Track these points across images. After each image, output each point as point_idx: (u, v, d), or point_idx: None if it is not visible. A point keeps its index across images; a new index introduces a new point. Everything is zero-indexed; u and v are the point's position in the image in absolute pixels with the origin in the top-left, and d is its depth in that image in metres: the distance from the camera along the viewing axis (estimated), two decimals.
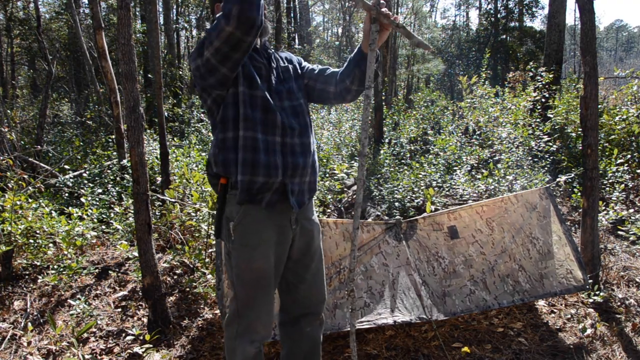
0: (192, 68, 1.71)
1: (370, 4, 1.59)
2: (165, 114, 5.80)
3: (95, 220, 4.41)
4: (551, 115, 6.26)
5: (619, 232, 3.87)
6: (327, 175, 5.48)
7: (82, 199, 4.66)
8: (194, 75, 1.73)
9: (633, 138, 5.44)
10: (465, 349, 2.61)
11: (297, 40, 17.46)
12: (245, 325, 1.79)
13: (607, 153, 5.28)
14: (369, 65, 1.63)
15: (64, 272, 3.51)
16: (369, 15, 1.61)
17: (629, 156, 5.11)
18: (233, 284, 1.79)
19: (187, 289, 3.43)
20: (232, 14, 1.47)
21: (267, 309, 1.79)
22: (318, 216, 2.15)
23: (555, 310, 3.08)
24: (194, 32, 15.96)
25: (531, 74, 6.80)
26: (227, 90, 1.71)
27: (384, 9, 1.58)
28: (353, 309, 1.76)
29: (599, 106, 3.89)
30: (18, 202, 3.82)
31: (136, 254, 3.21)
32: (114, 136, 6.33)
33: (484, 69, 7.24)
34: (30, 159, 6.19)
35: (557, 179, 3.71)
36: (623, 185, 4.58)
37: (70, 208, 4.35)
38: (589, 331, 2.73)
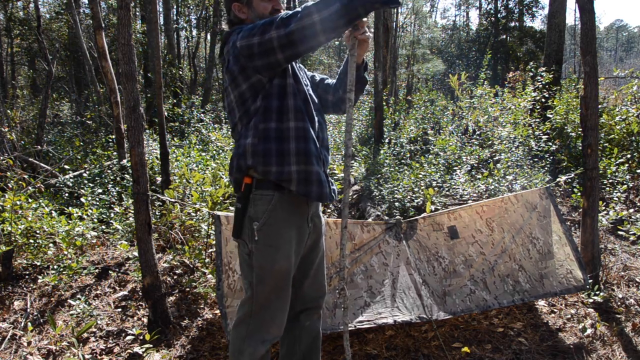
0: (240, 46, 1.65)
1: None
2: (165, 114, 5.80)
3: (95, 220, 4.41)
4: (551, 116, 6.26)
5: (619, 232, 3.87)
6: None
7: (82, 199, 4.66)
8: (240, 54, 1.66)
9: (633, 138, 5.44)
10: (465, 349, 2.61)
11: None
12: (258, 325, 1.78)
13: (607, 153, 5.28)
14: (349, 70, 1.72)
15: (64, 272, 3.51)
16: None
17: (629, 156, 5.11)
18: (252, 284, 1.77)
19: (187, 289, 3.43)
20: (335, 5, 1.46)
21: (282, 308, 1.80)
22: None
23: (555, 310, 3.08)
24: (194, 32, 15.97)
25: (531, 74, 6.80)
26: (271, 80, 1.71)
27: (366, 26, 1.67)
28: (345, 308, 1.77)
29: (599, 106, 3.89)
30: (18, 202, 3.82)
31: (136, 254, 3.21)
32: (114, 136, 6.33)
33: (484, 69, 7.23)
34: (30, 159, 6.19)
35: (557, 179, 3.70)
36: (624, 186, 4.57)
37: (70, 208, 4.35)
38: (589, 331, 2.73)
